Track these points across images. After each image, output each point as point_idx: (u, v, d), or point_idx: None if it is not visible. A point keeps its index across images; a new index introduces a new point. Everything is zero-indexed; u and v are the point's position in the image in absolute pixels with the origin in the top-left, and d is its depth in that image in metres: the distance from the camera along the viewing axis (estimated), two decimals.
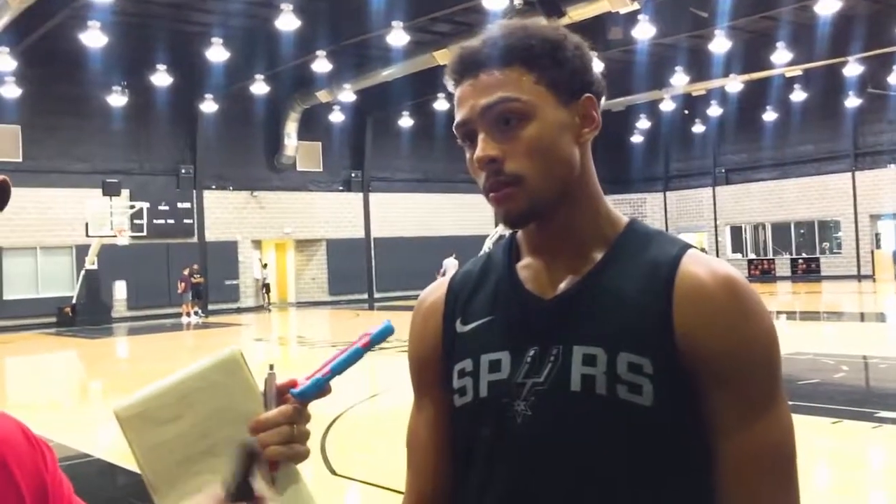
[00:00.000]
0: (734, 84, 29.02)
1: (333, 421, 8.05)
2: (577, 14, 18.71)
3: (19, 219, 24.12)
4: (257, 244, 30.26)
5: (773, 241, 35.62)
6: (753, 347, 1.02)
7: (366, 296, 31.54)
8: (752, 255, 36.05)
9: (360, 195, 32.16)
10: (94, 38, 20.35)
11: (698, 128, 35.86)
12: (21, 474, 0.93)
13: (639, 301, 1.05)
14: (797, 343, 12.65)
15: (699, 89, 30.36)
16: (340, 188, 32.00)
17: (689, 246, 1.10)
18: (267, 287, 29.70)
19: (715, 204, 36.51)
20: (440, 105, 28.77)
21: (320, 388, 0.99)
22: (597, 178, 1.15)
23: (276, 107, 28.53)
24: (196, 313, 25.33)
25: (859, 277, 32.01)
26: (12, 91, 23.47)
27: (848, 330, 16.96)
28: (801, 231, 34.95)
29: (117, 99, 25.46)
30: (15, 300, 24.44)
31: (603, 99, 1.15)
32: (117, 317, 25.50)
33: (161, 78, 24.83)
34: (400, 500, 1.24)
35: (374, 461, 6.83)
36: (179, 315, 25.24)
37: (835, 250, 33.83)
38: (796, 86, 30.81)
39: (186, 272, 25.24)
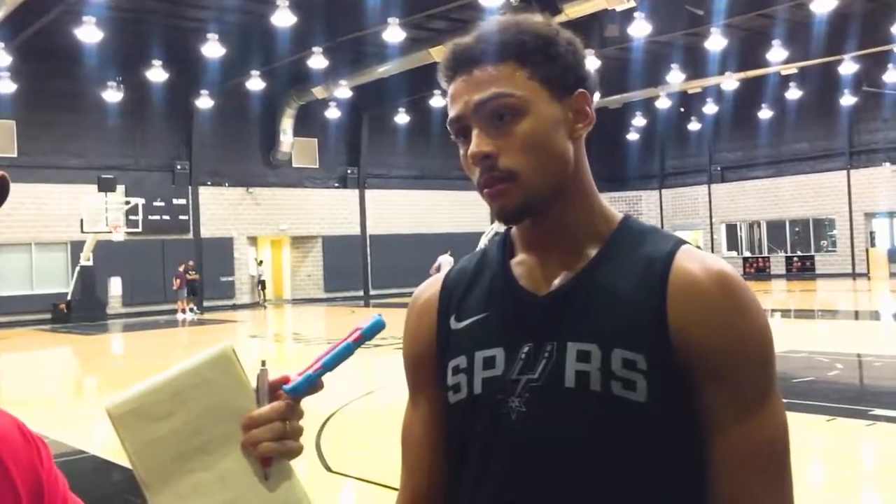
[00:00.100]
0: (730, 82, 29.05)
1: (328, 418, 8.05)
2: (573, 11, 18.72)
3: (14, 215, 24.07)
4: (253, 241, 30.23)
5: (769, 238, 35.69)
6: (747, 343, 1.03)
7: (361, 293, 31.54)
8: (747, 253, 36.13)
9: (356, 192, 32.15)
10: (89, 33, 20.28)
11: (694, 125, 35.90)
12: (17, 470, 0.93)
13: (633, 297, 1.05)
14: (792, 341, 12.68)
15: (695, 87, 30.39)
16: (336, 185, 31.97)
17: (682, 242, 1.10)
18: (262, 284, 29.67)
19: (710, 202, 36.57)
20: (436, 102, 28.75)
21: (312, 385, 0.98)
22: (591, 174, 1.15)
23: (272, 103, 28.50)
24: (191, 310, 25.30)
25: (854, 275, 32.10)
26: (7, 86, 23.41)
27: (842, 328, 17.01)
28: (796, 229, 35.03)
29: (113, 94, 25.39)
30: (9, 296, 24.38)
31: (596, 95, 1.15)
32: (112, 313, 25.46)
33: (157, 73, 24.77)
34: (395, 497, 1.24)
35: (369, 458, 6.83)
36: (174, 311, 25.21)
37: (829, 248, 33.90)
38: (792, 84, 30.86)
39: (182, 268, 25.21)
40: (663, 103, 32.42)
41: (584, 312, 1.06)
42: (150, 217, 25.73)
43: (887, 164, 31.47)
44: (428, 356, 1.19)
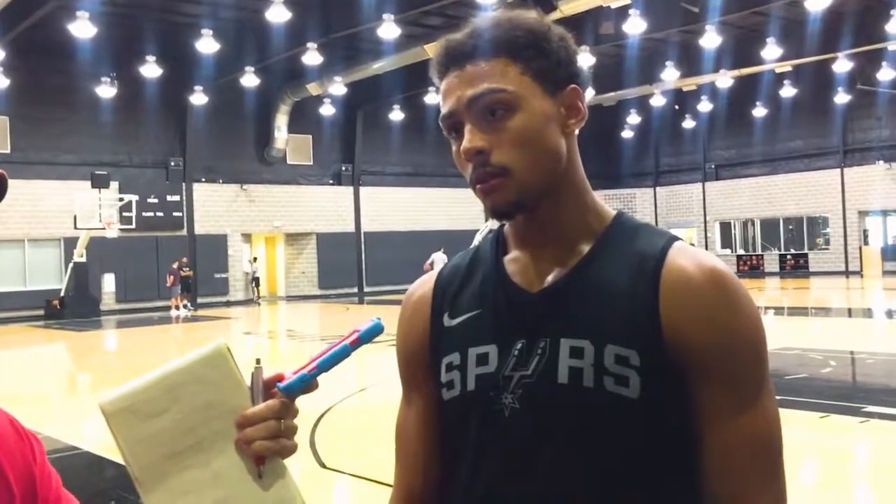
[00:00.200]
0: (724, 80, 29.11)
1: (323, 414, 8.05)
2: (568, 8, 18.72)
3: (7, 211, 23.99)
4: (247, 237, 30.19)
5: (762, 236, 35.79)
6: (740, 340, 1.03)
7: (356, 290, 31.53)
8: (740, 251, 36.22)
9: (351, 189, 32.12)
10: (82, 28, 20.21)
11: (688, 123, 35.95)
12: (10, 466, 0.93)
13: (626, 293, 1.05)
14: (785, 338, 12.72)
15: (689, 84, 30.44)
16: (331, 182, 31.94)
17: (675, 238, 1.10)
18: (256, 281, 29.64)
19: (704, 199, 36.64)
20: (431, 99, 28.72)
21: (306, 384, 0.98)
22: (583, 170, 1.15)
23: (267, 99, 28.44)
24: (185, 307, 25.26)
25: (847, 273, 32.20)
26: (0, 82, 23.30)
27: (836, 325, 17.07)
28: (790, 227, 35.12)
29: (106, 90, 25.30)
30: (2, 293, 24.31)
31: (589, 91, 1.15)
32: (105, 310, 25.40)
33: (150, 69, 24.69)
34: (389, 494, 1.24)
35: (363, 454, 6.83)
36: (168, 308, 25.16)
37: (824, 246, 34.01)
38: (786, 82, 30.94)
39: (175, 265, 25.15)
40: (658, 101, 32.46)
41: (576, 309, 1.06)
42: (143, 213, 25.67)
43: (881, 162, 31.55)
44: (421, 353, 1.19)
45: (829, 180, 32.99)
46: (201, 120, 27.93)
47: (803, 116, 32.85)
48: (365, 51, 25.18)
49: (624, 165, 37.90)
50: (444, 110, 1.10)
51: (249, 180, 29.64)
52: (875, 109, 31.43)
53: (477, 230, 26.79)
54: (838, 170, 32.71)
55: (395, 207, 32.71)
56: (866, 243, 33.00)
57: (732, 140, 35.76)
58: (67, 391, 12.46)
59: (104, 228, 23.49)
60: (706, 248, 32.51)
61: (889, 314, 19.19)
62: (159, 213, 27.03)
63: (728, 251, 35.93)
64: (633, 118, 36.30)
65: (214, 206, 28.78)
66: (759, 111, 33.57)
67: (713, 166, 36.46)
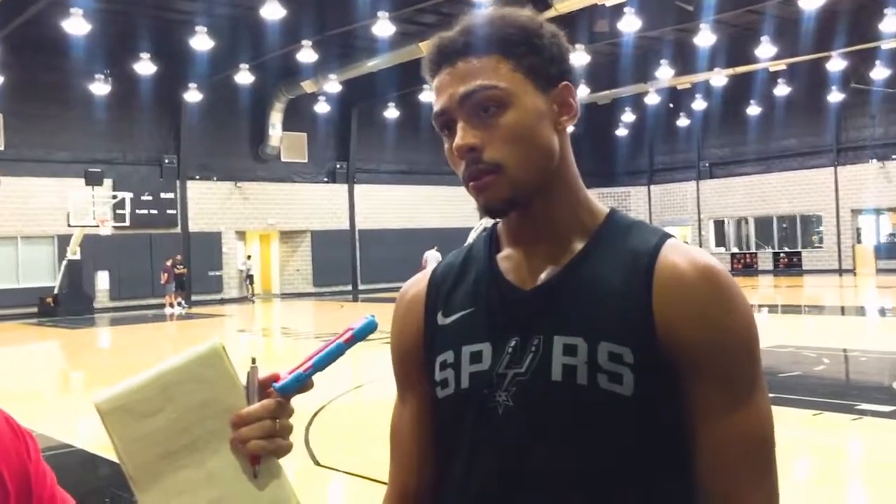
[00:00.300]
0: (719, 78, 29.14)
1: (317, 412, 8.04)
2: (563, 6, 18.72)
3: (0, 208, 23.89)
4: (241, 235, 30.14)
5: (756, 235, 35.86)
6: (733, 337, 1.03)
7: (350, 287, 31.51)
8: (734, 249, 36.30)
9: (345, 186, 32.08)
10: (76, 25, 20.13)
11: (683, 121, 36.00)
12: (5, 463, 0.93)
13: (619, 291, 1.05)
14: (779, 336, 12.75)
15: (684, 83, 30.47)
16: (325, 179, 31.90)
17: (668, 235, 1.10)
18: (251, 278, 29.59)
19: (698, 198, 36.70)
20: (426, 96, 28.68)
21: (302, 384, 0.98)
22: (576, 167, 1.15)
23: (261, 97, 28.38)
24: (179, 304, 25.22)
25: (840, 272, 32.29)
26: None
27: (829, 323, 17.12)
28: (784, 225, 35.19)
29: (100, 87, 25.23)
30: None
31: (584, 89, 1.14)
32: (99, 307, 25.33)
33: (144, 66, 24.62)
34: (383, 491, 1.24)
35: (358, 452, 6.83)
36: (162, 306, 25.11)
37: (816, 245, 34.10)
38: (780, 80, 31.00)
39: (169, 263, 25.10)
40: (652, 99, 32.50)
41: (570, 306, 1.06)
42: (137, 211, 25.60)
43: (874, 160, 31.64)
44: (415, 352, 1.19)
45: (822, 179, 33.07)
46: (195, 117, 27.86)
47: (797, 115, 32.91)
48: (360, 48, 25.15)
49: (618, 163, 37.94)
50: (436, 108, 1.10)
51: (244, 178, 29.58)
52: (869, 108, 31.51)
53: (471, 228, 26.90)
54: (832, 168, 32.79)
55: (390, 205, 32.69)
56: (859, 241, 33.10)
57: (726, 138, 35.82)
58: (61, 389, 12.43)
59: (98, 226, 23.43)
60: (700, 246, 32.62)
61: (882, 312, 19.25)
62: (153, 211, 26.96)
63: (722, 249, 36.00)
64: (628, 116, 36.33)
65: (208, 203, 28.72)
66: (754, 109, 33.63)
67: (707, 164, 36.52)
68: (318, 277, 31.02)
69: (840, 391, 8.97)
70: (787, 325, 16.09)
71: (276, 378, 0.98)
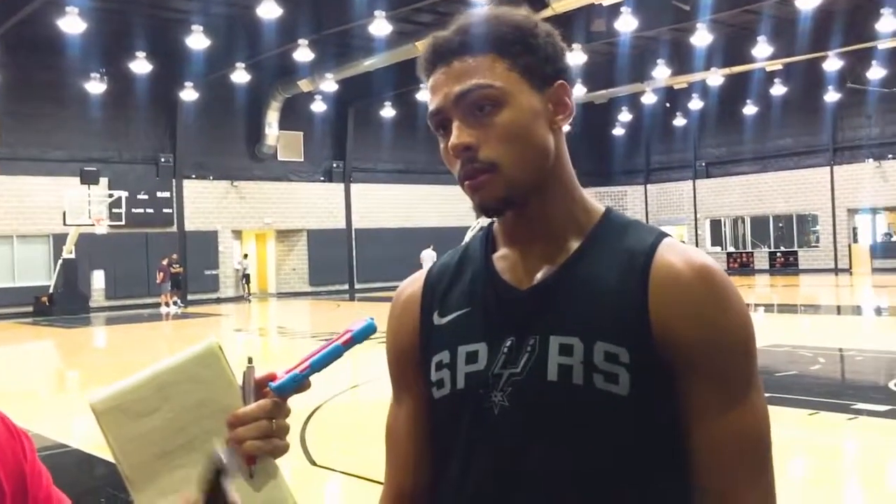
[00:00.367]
0: (715, 77, 29.19)
1: (313, 412, 8.04)
2: (560, 5, 18.73)
3: None
4: (237, 234, 30.11)
5: (752, 234, 35.92)
6: (729, 336, 1.03)
7: (347, 286, 31.50)
8: (731, 249, 36.36)
9: (342, 185, 32.07)
10: (72, 23, 20.09)
11: (679, 121, 36.04)
12: (1, 464, 0.93)
13: (615, 290, 1.05)
14: (775, 335, 12.78)
15: (681, 82, 30.51)
16: (322, 178, 31.88)
17: (665, 235, 1.10)
18: (247, 277, 29.57)
19: (695, 197, 36.75)
20: (422, 96, 28.57)
21: (298, 384, 0.98)
22: (572, 166, 1.15)
23: (257, 96, 28.36)
24: (175, 303, 25.19)
25: (836, 271, 32.35)
26: None
27: (825, 323, 17.15)
28: (780, 225, 35.26)
29: (96, 86, 25.19)
30: None
31: (580, 88, 1.14)
32: (95, 306, 25.30)
33: (140, 65, 24.58)
34: (379, 491, 1.24)
35: (354, 452, 6.83)
36: (158, 305, 25.09)
37: (813, 244, 34.17)
38: (776, 80, 31.05)
39: (165, 262, 25.07)
40: (649, 98, 32.54)
41: (566, 306, 1.06)
42: (133, 210, 25.58)
43: (870, 160, 31.71)
44: (411, 352, 1.18)
45: (818, 178, 33.13)
46: (191, 116, 27.83)
47: (793, 114, 32.96)
48: (356, 48, 25.13)
49: (615, 163, 37.99)
50: (431, 107, 1.10)
51: (240, 177, 29.55)
52: (865, 108, 31.58)
53: (468, 227, 26.89)
54: (828, 168, 32.85)
55: (386, 204, 32.68)
56: (855, 241, 33.17)
57: (723, 138, 35.87)
58: (56, 388, 12.41)
59: (93, 225, 23.40)
60: (696, 246, 32.66)
61: (878, 311, 19.30)
62: (149, 210, 26.92)
63: (718, 248, 36.06)
64: (625, 116, 36.37)
65: (205, 202, 28.69)
66: (750, 109, 33.68)
67: (704, 164, 36.57)
68: (314, 277, 31.00)
69: (836, 391, 8.99)
70: (784, 325, 16.12)
71: (272, 378, 0.98)
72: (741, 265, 35.17)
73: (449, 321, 1.14)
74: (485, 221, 1.17)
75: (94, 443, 6.91)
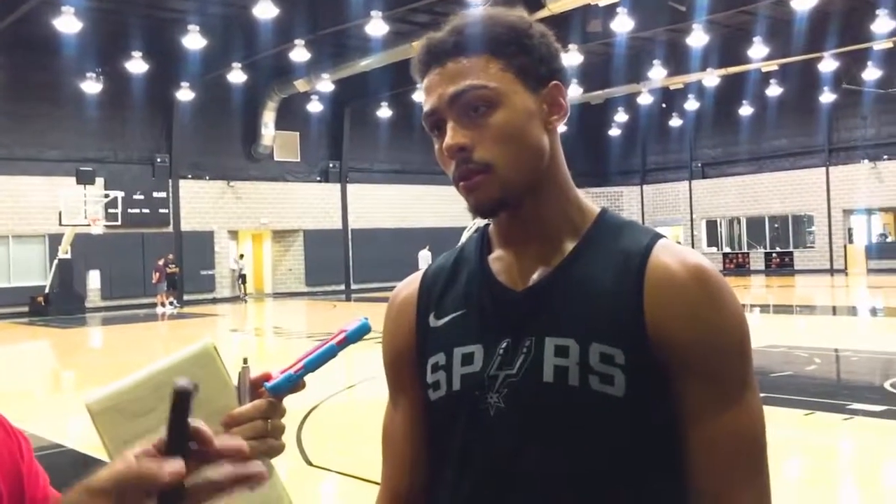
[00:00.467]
0: (711, 78, 29.23)
1: (310, 412, 8.03)
2: (556, 6, 18.75)
3: None
4: (234, 234, 30.07)
5: (748, 234, 35.97)
6: (724, 337, 1.03)
7: (343, 287, 31.48)
8: (726, 249, 36.40)
9: (338, 186, 32.05)
10: (68, 23, 20.05)
11: (675, 121, 36.08)
12: None
13: (610, 291, 1.05)
14: (771, 336, 12.79)
15: (676, 83, 30.54)
16: (318, 179, 31.86)
17: (660, 236, 1.10)
18: (243, 278, 29.54)
19: (691, 198, 36.79)
20: (419, 96, 28.08)
21: (293, 384, 0.98)
22: (566, 167, 1.15)
23: (254, 96, 28.33)
24: (171, 303, 25.15)
25: (832, 272, 32.41)
26: None
27: (820, 323, 17.17)
28: (776, 225, 35.31)
29: (92, 86, 25.14)
30: None
31: (577, 89, 1.15)
32: (91, 307, 25.25)
33: (136, 65, 24.55)
34: (375, 491, 1.24)
35: (350, 452, 6.83)
36: (154, 305, 25.05)
37: (808, 245, 34.23)
38: (772, 81, 31.09)
39: (161, 262, 25.03)
40: (645, 99, 32.57)
41: (561, 307, 1.06)
42: (129, 210, 25.53)
43: (866, 161, 31.77)
44: (407, 355, 1.18)
45: (814, 179, 33.19)
46: (188, 116, 27.79)
47: (789, 115, 33.02)
48: (352, 48, 25.12)
49: (611, 163, 38.04)
50: (426, 108, 1.10)
51: (236, 177, 29.52)
52: (860, 109, 31.62)
53: (464, 227, 26.88)
54: (823, 168, 32.91)
55: (383, 204, 32.67)
56: (851, 241, 33.23)
57: (719, 138, 35.93)
58: (52, 388, 12.38)
59: (89, 225, 23.35)
60: (692, 247, 32.73)
61: (873, 312, 19.33)
62: (145, 210, 26.88)
63: (714, 249, 36.10)
64: (621, 116, 36.40)
65: (201, 202, 28.65)
66: (746, 110, 33.73)
67: (700, 165, 36.61)
68: (310, 277, 30.98)
69: (831, 391, 9.00)
70: (779, 325, 16.14)
71: (267, 378, 0.98)
72: (737, 266, 35.22)
73: (445, 323, 1.14)
74: (480, 222, 1.17)
75: (89, 443, 6.90)
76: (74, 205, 23.46)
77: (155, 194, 27.30)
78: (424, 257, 25.36)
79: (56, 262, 24.00)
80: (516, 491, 1.05)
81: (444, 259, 1.23)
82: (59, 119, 25.61)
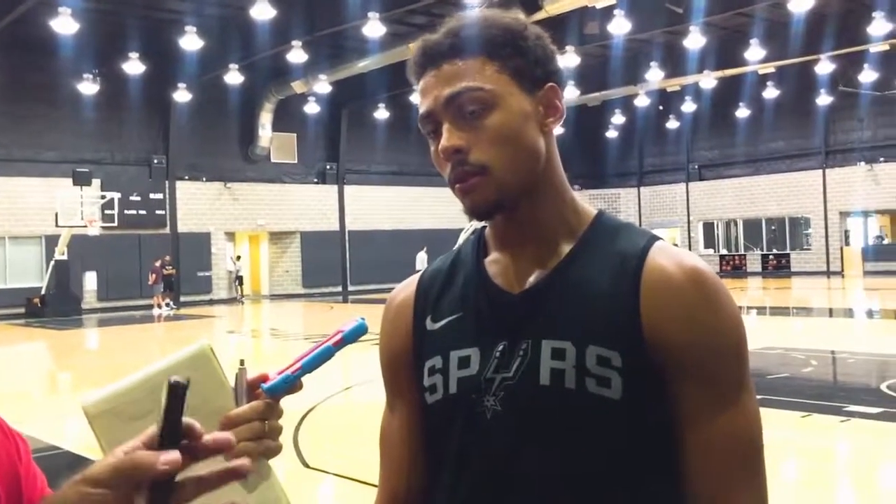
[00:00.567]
0: (708, 80, 29.25)
1: (306, 413, 8.02)
2: (553, 8, 18.76)
3: None
4: (230, 236, 30.05)
5: (745, 236, 36.01)
6: (720, 339, 1.03)
7: (340, 288, 31.46)
8: (723, 251, 36.44)
9: (335, 187, 32.04)
10: (64, 24, 20.03)
11: (672, 123, 36.13)
12: None
13: (607, 294, 1.05)
14: (767, 338, 12.80)
15: (673, 85, 30.57)
16: (315, 180, 31.85)
17: (656, 238, 1.10)
18: (240, 279, 29.51)
19: (688, 200, 36.83)
20: (416, 98, 28.31)
21: (290, 385, 0.98)
22: (562, 169, 1.15)
23: (251, 97, 28.32)
24: (167, 305, 25.12)
25: (828, 274, 32.45)
26: None
27: (817, 325, 17.19)
28: (772, 227, 35.35)
29: (89, 87, 25.11)
30: None
31: (573, 91, 1.15)
32: (87, 308, 25.20)
33: (133, 66, 24.53)
34: (372, 494, 1.24)
35: (347, 454, 6.82)
36: (151, 307, 25.01)
37: (805, 247, 34.28)
38: (769, 83, 31.13)
39: (158, 263, 25.00)
40: (642, 101, 32.60)
41: (558, 310, 1.06)
42: (126, 211, 25.50)
43: (862, 163, 31.82)
44: (404, 358, 1.18)
45: (810, 181, 33.24)
46: (185, 117, 27.77)
47: (786, 117, 33.07)
48: (350, 49, 25.12)
49: (608, 165, 38.07)
50: (421, 110, 1.10)
51: (233, 178, 29.50)
52: (857, 111, 31.69)
53: (461, 229, 26.88)
54: (820, 171, 32.96)
55: (380, 206, 32.66)
56: (847, 244, 33.27)
57: (716, 141, 35.97)
58: (48, 390, 12.36)
59: (86, 226, 23.32)
60: (689, 248, 32.78)
61: (870, 314, 19.36)
62: (142, 211, 26.85)
63: (711, 251, 36.14)
64: (618, 118, 36.43)
65: (197, 204, 28.62)
66: (743, 112, 33.77)
67: (696, 167, 36.66)
68: (307, 278, 30.96)
69: (828, 393, 9.01)
70: (776, 327, 16.16)
71: (264, 379, 0.98)
72: (734, 268, 35.25)
73: (441, 326, 1.14)
74: (477, 225, 1.17)
75: (85, 445, 6.89)
76: (71, 206, 23.42)
77: (152, 195, 27.27)
78: (422, 259, 25.35)
79: (52, 263, 23.96)
80: (513, 493, 1.05)
81: (440, 262, 1.23)
82: (56, 120, 25.58)
